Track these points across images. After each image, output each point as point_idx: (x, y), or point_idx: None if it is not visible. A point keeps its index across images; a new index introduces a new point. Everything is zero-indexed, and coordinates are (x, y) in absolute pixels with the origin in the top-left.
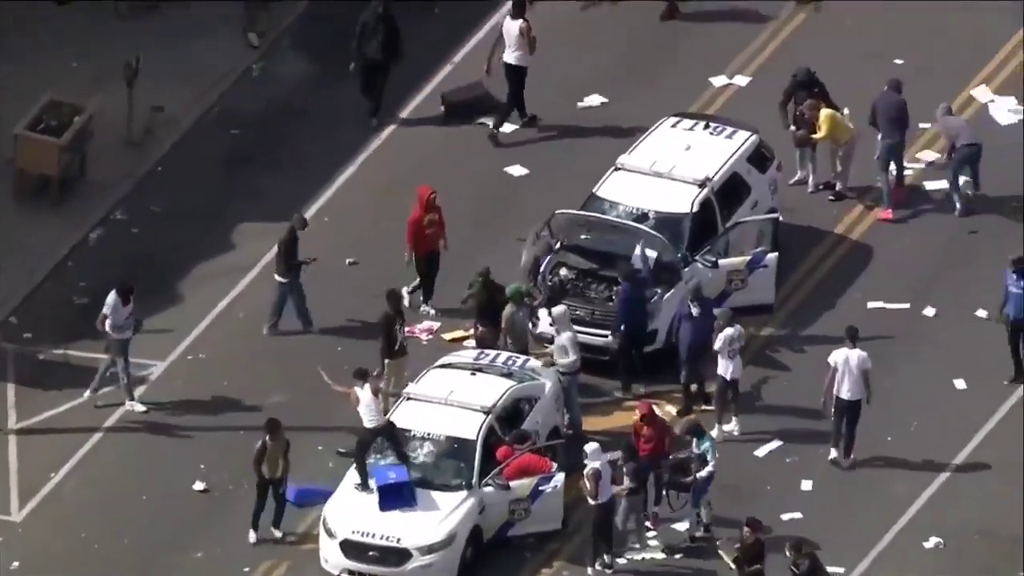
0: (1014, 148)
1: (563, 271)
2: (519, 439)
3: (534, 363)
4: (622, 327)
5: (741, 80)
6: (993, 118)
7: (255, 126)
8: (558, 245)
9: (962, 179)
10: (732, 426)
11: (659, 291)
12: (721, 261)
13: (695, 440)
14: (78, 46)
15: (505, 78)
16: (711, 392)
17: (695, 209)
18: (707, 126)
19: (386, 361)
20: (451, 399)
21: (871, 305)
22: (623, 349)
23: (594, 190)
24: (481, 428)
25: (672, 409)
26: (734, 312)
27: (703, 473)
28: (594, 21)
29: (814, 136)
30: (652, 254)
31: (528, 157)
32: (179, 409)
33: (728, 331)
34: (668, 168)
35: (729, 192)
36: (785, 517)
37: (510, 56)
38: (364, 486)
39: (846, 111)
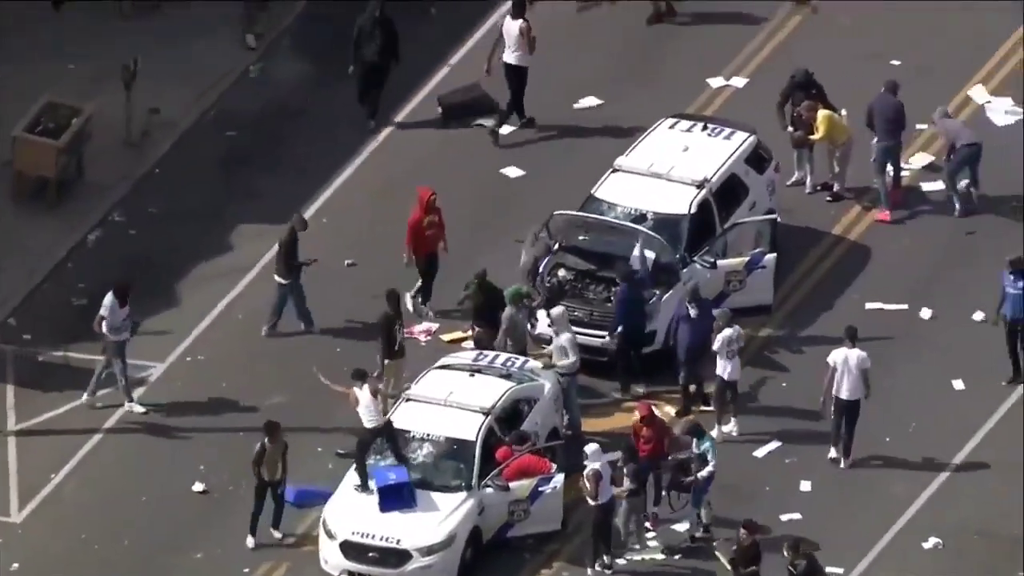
0: (1010, 149)
1: (561, 272)
2: (518, 440)
3: (533, 364)
4: (620, 328)
5: (738, 81)
6: (990, 119)
7: (253, 127)
8: (556, 246)
9: (961, 180)
10: (731, 427)
11: (657, 292)
12: (719, 262)
13: (695, 440)
14: (76, 47)
15: (505, 78)
16: (709, 393)
17: (693, 210)
18: (705, 127)
19: (385, 362)
20: (450, 400)
21: (869, 306)
22: (621, 350)
23: (592, 191)
24: (480, 429)
25: (671, 410)
26: (733, 313)
27: (703, 473)
28: (591, 22)
29: (812, 137)
30: (651, 255)
31: (524, 158)
32: (178, 410)
33: (727, 332)
34: (666, 169)
35: (727, 193)
36: (784, 518)
37: (510, 56)
38: (364, 487)
39: (843, 112)
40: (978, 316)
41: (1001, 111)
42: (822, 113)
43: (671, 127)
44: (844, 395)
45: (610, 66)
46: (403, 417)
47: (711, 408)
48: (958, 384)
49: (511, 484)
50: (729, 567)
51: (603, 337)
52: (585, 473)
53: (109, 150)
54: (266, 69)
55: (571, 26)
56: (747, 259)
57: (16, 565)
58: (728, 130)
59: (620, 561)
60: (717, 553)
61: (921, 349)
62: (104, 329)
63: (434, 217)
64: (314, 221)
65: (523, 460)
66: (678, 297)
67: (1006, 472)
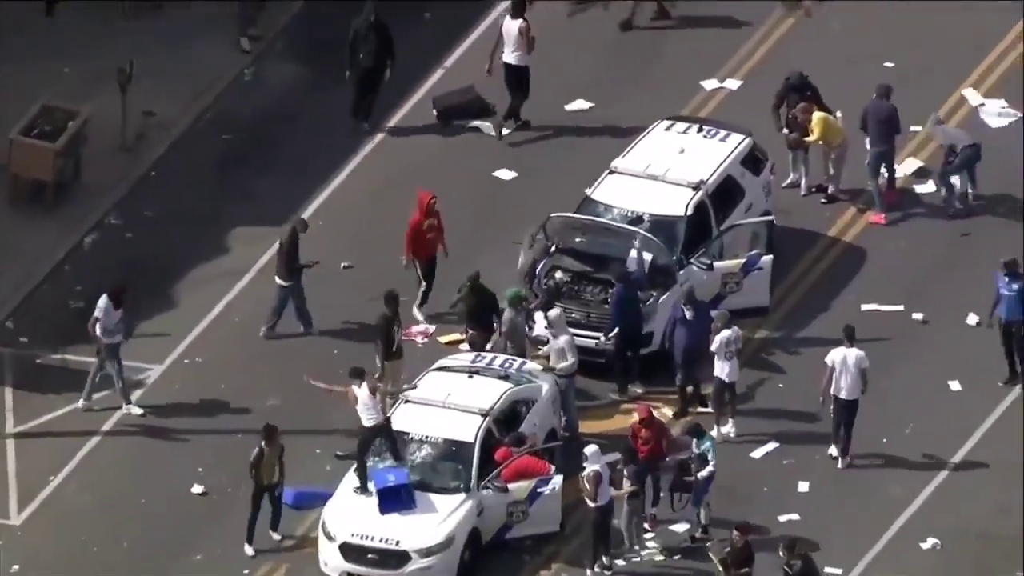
0: (1004, 150)
1: (558, 274)
2: (516, 442)
3: (531, 365)
4: (617, 329)
5: (732, 84)
6: (984, 121)
7: (249, 130)
8: (553, 248)
9: (955, 179)
10: (729, 428)
11: (654, 294)
12: (716, 264)
13: (695, 440)
14: (72, 50)
15: (504, 78)
16: (707, 394)
17: (690, 212)
18: (701, 129)
19: (383, 363)
20: (449, 402)
21: (865, 307)
22: (619, 351)
23: (589, 193)
24: (479, 431)
25: (668, 411)
26: (730, 314)
27: (703, 473)
28: (585, 24)
29: (807, 139)
30: (647, 256)
31: (517, 160)
32: (176, 412)
33: (725, 333)
34: (662, 171)
35: (723, 195)
36: (782, 518)
37: (510, 56)
38: (364, 488)
39: (838, 114)
40: (972, 320)
41: (995, 113)
42: (817, 115)
43: (667, 129)
44: (843, 394)
45: (604, 68)
46: (402, 419)
47: (708, 410)
48: (955, 385)
49: (510, 485)
50: (720, 568)
51: (597, 338)
52: (585, 475)
53: (105, 153)
54: (260, 72)
55: (565, 28)
56: (744, 261)
57: (16, 567)
58: (724, 132)
59: (619, 562)
60: (711, 553)
61: (917, 350)
62: (98, 331)
63: (434, 220)
64: (310, 223)
65: (522, 461)
66: (675, 299)
67: (1003, 473)
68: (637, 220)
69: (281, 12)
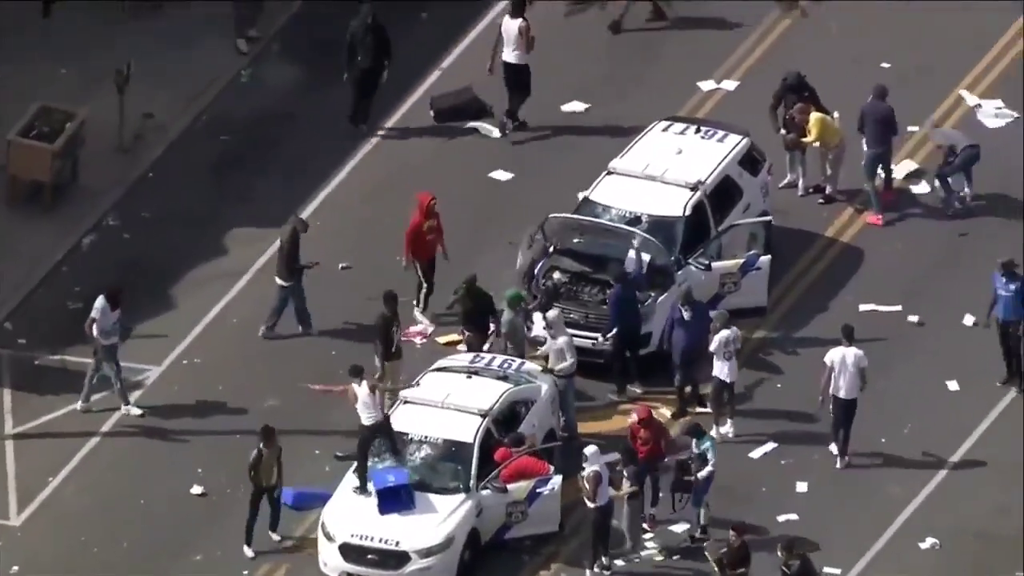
0: (1002, 151)
1: (556, 275)
2: (515, 442)
3: (530, 366)
4: (615, 329)
5: (729, 84)
6: (981, 122)
7: (246, 131)
8: (551, 249)
9: (952, 179)
10: (727, 428)
11: (653, 294)
12: (714, 264)
13: (695, 440)
14: (71, 50)
15: (504, 77)
16: (705, 395)
17: (688, 212)
18: (698, 129)
19: (384, 364)
20: (448, 402)
21: (863, 308)
22: (617, 352)
23: (587, 194)
24: (478, 431)
25: (667, 412)
26: (729, 314)
27: (703, 473)
28: (582, 24)
29: (804, 139)
30: (646, 257)
31: (513, 161)
32: (175, 413)
33: (724, 333)
34: (660, 172)
35: (722, 195)
36: (781, 519)
37: (509, 55)
38: (363, 488)
39: (836, 115)
40: (968, 320)
41: (991, 114)
42: (814, 116)
43: (665, 130)
44: (842, 394)
45: (601, 69)
46: (401, 419)
47: (706, 410)
48: (952, 385)
49: (509, 486)
50: (716, 568)
51: (595, 338)
52: (585, 475)
53: (103, 154)
54: (257, 74)
55: (562, 28)
56: (742, 261)
57: (16, 568)
58: (722, 132)
59: (618, 562)
60: (707, 553)
61: (915, 350)
62: (95, 332)
63: (433, 221)
64: (308, 224)
65: (521, 462)
66: (673, 299)
67: (1002, 472)
68: (635, 221)
69: (279, 12)
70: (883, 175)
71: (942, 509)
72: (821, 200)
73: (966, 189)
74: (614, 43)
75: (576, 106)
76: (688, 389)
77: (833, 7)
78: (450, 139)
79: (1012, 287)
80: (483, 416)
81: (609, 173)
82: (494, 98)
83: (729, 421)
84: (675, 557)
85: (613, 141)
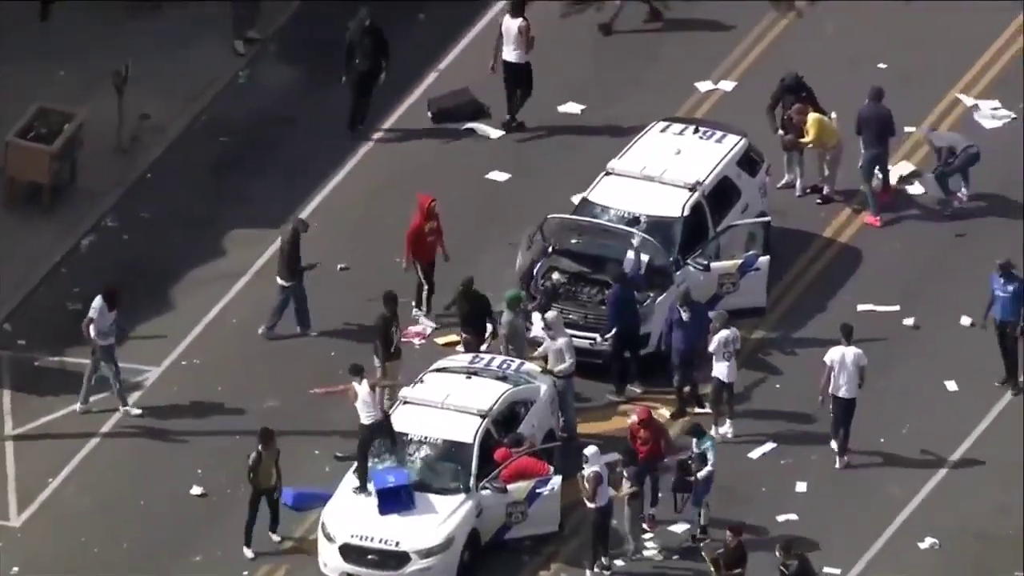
0: (1000, 151)
1: (555, 275)
2: (515, 442)
3: (529, 367)
4: (614, 329)
5: (726, 85)
6: (978, 123)
7: (244, 132)
8: (550, 249)
9: (950, 181)
10: (726, 428)
11: (652, 295)
12: (713, 264)
13: (696, 440)
14: (69, 52)
15: (503, 76)
16: (704, 395)
17: (686, 213)
18: (697, 130)
19: (385, 364)
20: (447, 403)
21: (861, 308)
22: (616, 352)
23: (585, 194)
24: (478, 432)
25: (666, 412)
26: (728, 315)
27: (702, 473)
28: (579, 25)
29: (802, 140)
30: (645, 257)
31: (514, 162)
32: (175, 414)
33: (724, 333)
34: (659, 172)
35: (720, 195)
36: (781, 519)
37: (510, 54)
38: (363, 488)
39: (833, 115)
40: (965, 321)
41: (988, 115)
42: (812, 116)
43: (663, 130)
44: (841, 393)
45: (598, 70)
46: (401, 419)
47: (705, 410)
48: (951, 385)
49: (509, 486)
50: (712, 568)
51: (593, 339)
52: (586, 475)
53: (101, 155)
54: (254, 75)
55: (559, 28)
56: (740, 262)
57: (16, 569)
58: (720, 133)
59: (618, 563)
60: (703, 553)
61: (914, 350)
62: (92, 333)
63: (434, 223)
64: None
65: (521, 462)
66: (671, 300)
67: (1001, 472)
68: (634, 221)
69: (277, 12)
70: (880, 176)
71: (942, 509)
72: (819, 200)
73: (963, 190)
74: (611, 44)
75: (572, 107)
76: (687, 389)
77: (830, 8)
78: (448, 140)
79: (1010, 288)
80: (483, 416)
81: (607, 174)
82: (492, 99)
83: (728, 421)
84: (675, 557)
85: (611, 142)
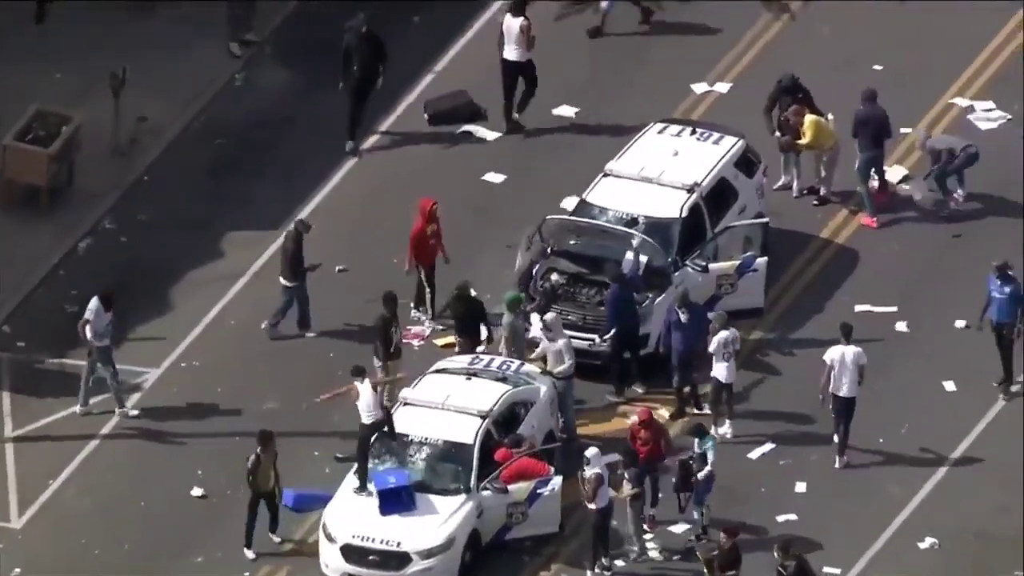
0: (996, 152)
1: (554, 276)
2: (515, 444)
3: (529, 367)
4: (613, 330)
5: (722, 87)
6: (974, 124)
7: (241, 134)
8: (548, 250)
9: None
10: (726, 429)
11: (650, 295)
12: (711, 265)
13: (697, 440)
14: (66, 54)
15: (502, 74)
16: (703, 395)
17: (684, 214)
18: (694, 131)
19: (386, 364)
20: (448, 404)
21: (859, 308)
22: (615, 353)
23: (583, 196)
24: (478, 432)
25: (665, 413)
26: (727, 315)
27: (702, 473)
28: (574, 26)
29: (799, 142)
30: (643, 258)
31: (511, 163)
32: (174, 416)
33: (723, 334)
34: (657, 173)
35: (718, 197)
36: (780, 519)
37: (510, 53)
38: (364, 487)
39: (830, 116)
40: (960, 323)
41: (983, 116)
42: (809, 118)
43: (660, 132)
44: (841, 392)
45: (594, 71)
46: (401, 420)
47: (704, 411)
48: (949, 385)
49: (509, 487)
50: (707, 569)
51: (592, 340)
52: (587, 476)
53: (98, 158)
54: (251, 77)
55: (555, 30)
56: (738, 262)
57: (17, 570)
58: (717, 134)
59: (619, 563)
60: (698, 554)
61: (912, 351)
62: (88, 334)
63: (435, 226)
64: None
65: (521, 463)
66: (670, 301)
67: (1000, 472)
68: (632, 222)
69: (272, 13)
70: (876, 177)
71: (941, 509)
72: (816, 202)
73: (959, 191)
74: (606, 46)
75: (566, 111)
76: (687, 390)
77: (825, 8)
78: (444, 142)
79: (1006, 289)
80: (483, 417)
81: (606, 175)
82: (488, 101)
83: (728, 422)
84: (675, 558)
85: (609, 143)
